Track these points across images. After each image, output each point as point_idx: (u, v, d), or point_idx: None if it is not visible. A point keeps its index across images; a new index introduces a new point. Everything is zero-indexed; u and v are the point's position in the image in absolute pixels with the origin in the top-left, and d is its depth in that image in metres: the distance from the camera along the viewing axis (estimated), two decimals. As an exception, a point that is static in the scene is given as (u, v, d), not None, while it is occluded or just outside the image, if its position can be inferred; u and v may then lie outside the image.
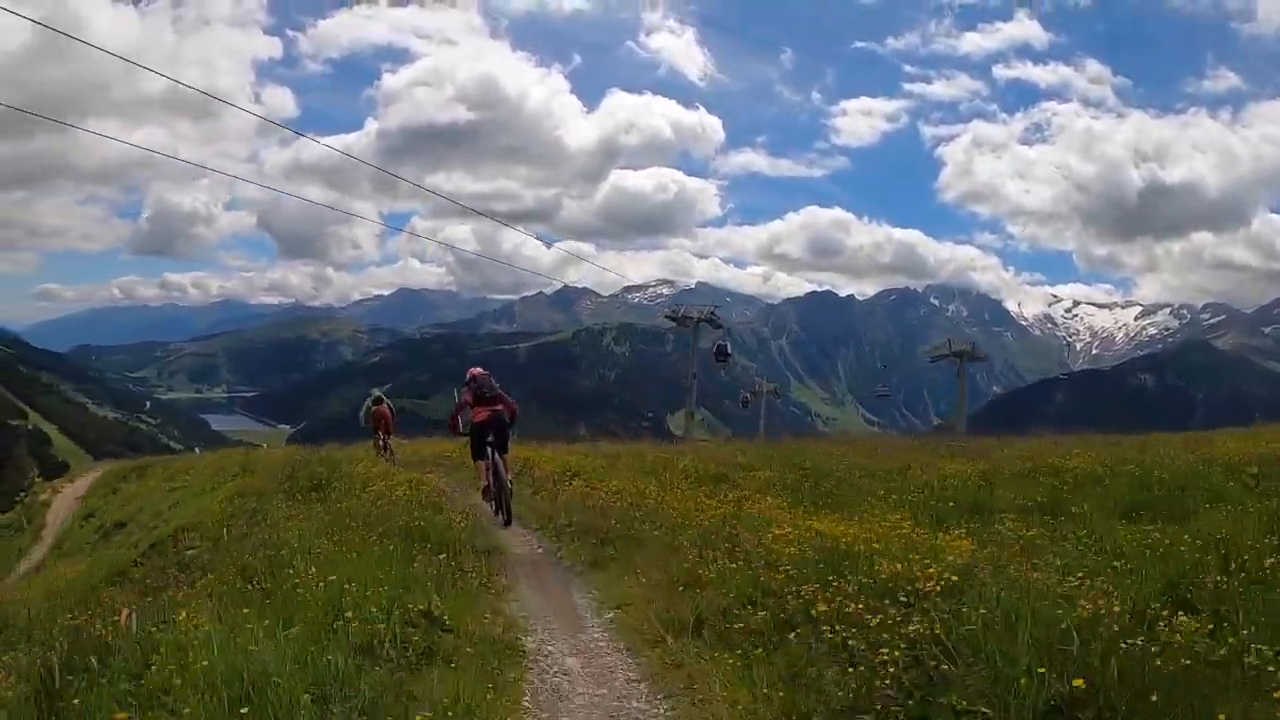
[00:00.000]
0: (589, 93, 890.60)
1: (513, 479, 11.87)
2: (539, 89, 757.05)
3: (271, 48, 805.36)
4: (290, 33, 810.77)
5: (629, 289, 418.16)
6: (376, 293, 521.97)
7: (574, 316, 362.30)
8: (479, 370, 12.16)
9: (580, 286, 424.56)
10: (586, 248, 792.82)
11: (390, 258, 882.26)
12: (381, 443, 19.01)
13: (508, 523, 11.27)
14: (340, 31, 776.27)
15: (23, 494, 30.59)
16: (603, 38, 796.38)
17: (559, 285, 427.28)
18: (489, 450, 11.47)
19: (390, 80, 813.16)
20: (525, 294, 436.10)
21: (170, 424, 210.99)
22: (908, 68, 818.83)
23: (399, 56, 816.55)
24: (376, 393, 20.97)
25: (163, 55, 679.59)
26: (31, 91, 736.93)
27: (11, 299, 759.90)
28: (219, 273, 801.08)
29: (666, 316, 34.35)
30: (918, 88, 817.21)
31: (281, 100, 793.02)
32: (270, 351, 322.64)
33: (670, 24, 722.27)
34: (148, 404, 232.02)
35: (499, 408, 11.73)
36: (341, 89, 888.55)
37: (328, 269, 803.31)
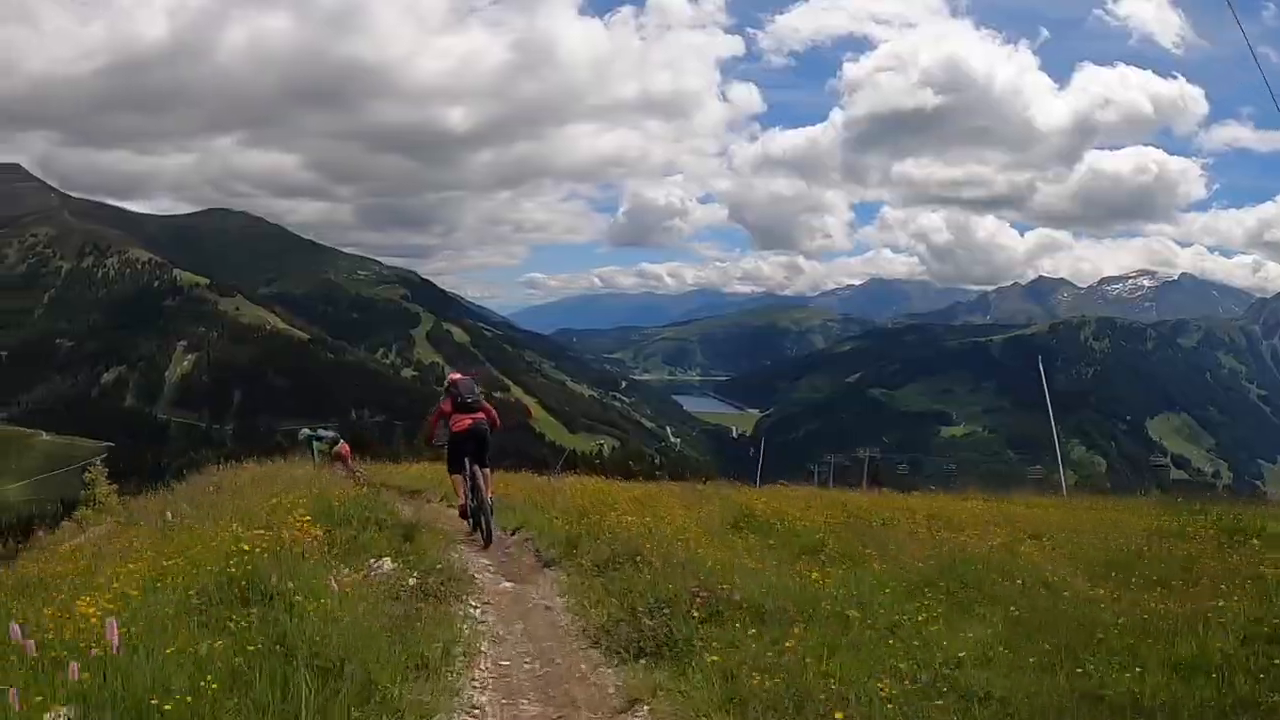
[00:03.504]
0: (1058, 68, 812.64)
1: (494, 496, 10.91)
2: (1006, 67, 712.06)
3: (733, 46, 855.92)
4: (750, 30, 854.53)
5: (1106, 280, 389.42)
6: (848, 282, 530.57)
7: (1049, 309, 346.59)
8: (459, 375, 11.52)
9: (1056, 277, 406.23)
10: (1062, 235, 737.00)
11: (861, 247, 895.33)
12: (345, 470, 20.64)
13: (487, 543, 10.20)
14: (800, 24, 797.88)
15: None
16: (1068, 9, 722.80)
17: (1034, 276, 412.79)
18: (466, 463, 10.72)
19: (852, 69, 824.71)
20: (1000, 284, 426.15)
21: (643, 403, 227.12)
22: None
23: (860, 45, 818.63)
24: (333, 434, 22.28)
25: (631, 62, 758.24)
26: (513, 103, 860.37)
27: (502, 286, 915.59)
28: (693, 263, 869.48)
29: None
30: None
31: (747, 96, 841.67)
32: (742, 338, 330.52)
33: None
34: (623, 384, 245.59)
35: (480, 416, 10.97)
36: (804, 82, 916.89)
37: (799, 259, 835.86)
